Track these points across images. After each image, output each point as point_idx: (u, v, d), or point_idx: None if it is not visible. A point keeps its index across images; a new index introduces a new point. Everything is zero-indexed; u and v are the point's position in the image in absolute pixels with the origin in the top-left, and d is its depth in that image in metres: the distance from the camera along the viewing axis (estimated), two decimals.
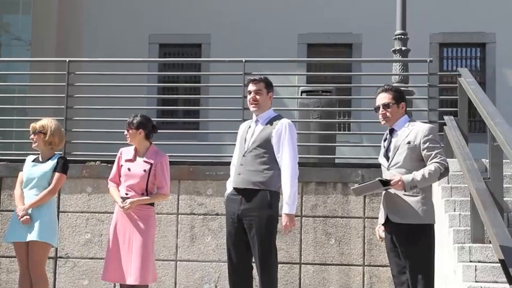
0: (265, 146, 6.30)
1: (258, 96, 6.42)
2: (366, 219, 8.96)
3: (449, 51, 16.59)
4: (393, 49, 11.03)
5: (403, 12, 11.08)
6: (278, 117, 6.47)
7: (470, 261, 6.98)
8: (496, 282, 6.62)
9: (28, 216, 6.90)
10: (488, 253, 6.94)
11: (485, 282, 6.69)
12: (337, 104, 11.32)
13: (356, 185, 5.83)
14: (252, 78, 6.53)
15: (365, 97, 12.89)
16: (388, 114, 5.86)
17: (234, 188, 6.39)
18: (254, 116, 6.53)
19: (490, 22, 15.94)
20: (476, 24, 15.98)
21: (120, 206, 6.94)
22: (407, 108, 10.56)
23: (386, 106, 5.86)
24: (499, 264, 6.08)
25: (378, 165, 9.56)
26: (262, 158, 6.28)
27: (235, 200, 6.35)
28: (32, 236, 6.90)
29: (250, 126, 6.52)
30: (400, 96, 5.92)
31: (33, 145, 7.22)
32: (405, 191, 5.51)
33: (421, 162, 5.65)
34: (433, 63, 15.01)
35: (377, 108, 5.92)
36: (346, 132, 14.94)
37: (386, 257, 8.74)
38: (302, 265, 8.97)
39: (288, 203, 6.20)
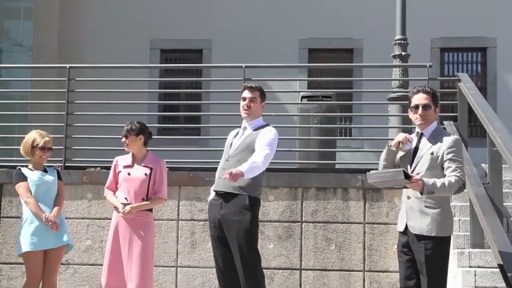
0: (248, 152, 6.31)
1: (252, 104, 6.45)
2: (366, 225, 8.96)
3: (450, 56, 16.58)
4: (393, 54, 11.04)
5: (403, 17, 11.09)
6: (266, 126, 6.51)
7: (470, 267, 7.00)
8: (496, 287, 6.64)
9: (57, 223, 7.05)
10: (488, 258, 6.95)
11: (485, 287, 6.71)
12: (338, 109, 11.34)
13: (373, 171, 5.60)
14: (248, 85, 6.55)
15: (364, 102, 12.94)
16: (427, 116, 5.75)
17: (215, 192, 6.42)
18: (244, 122, 6.57)
19: (491, 27, 15.94)
20: (477, 29, 15.96)
21: (120, 211, 6.95)
22: (406, 114, 10.65)
23: (427, 107, 5.73)
24: (499, 270, 6.09)
25: None
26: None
27: (216, 204, 6.40)
28: (60, 241, 7.09)
29: (238, 133, 6.55)
30: (437, 100, 5.82)
31: (43, 161, 7.31)
32: (421, 193, 5.44)
33: (443, 174, 5.57)
34: (434, 68, 15.05)
35: (414, 108, 5.78)
36: (346, 137, 14.93)
37: (386, 262, 8.83)
38: (302, 271, 8.97)
39: (244, 168, 5.99)
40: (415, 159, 5.68)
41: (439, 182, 5.44)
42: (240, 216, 6.25)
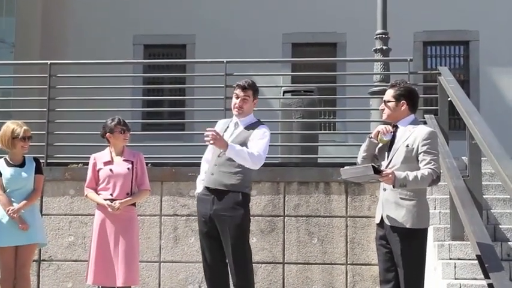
0: None
1: (244, 104, 6.41)
2: (348, 218, 9.00)
3: (433, 50, 16.63)
4: (374, 48, 11.08)
5: (384, 12, 11.14)
6: (258, 123, 6.47)
7: (450, 259, 7.05)
8: (475, 279, 6.70)
9: (26, 224, 6.94)
10: (468, 250, 7.01)
11: (465, 279, 6.76)
12: (320, 103, 11.36)
13: (346, 167, 5.66)
14: (241, 83, 6.43)
15: (344, 97, 12.96)
16: (386, 110, 5.80)
17: (205, 188, 6.41)
18: (235, 118, 6.53)
19: (473, 20, 15.99)
20: (459, 22, 16.01)
21: (109, 207, 6.92)
22: None
23: (386, 102, 5.81)
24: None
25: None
26: None
27: (207, 200, 6.35)
28: (31, 239, 6.99)
29: (228, 127, 6.51)
30: (402, 95, 5.78)
31: (25, 151, 7.21)
32: (394, 186, 5.46)
33: (418, 167, 5.58)
34: (417, 62, 15.12)
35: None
36: (327, 131, 14.98)
37: (369, 255, 8.88)
38: (285, 264, 9.00)
39: (233, 145, 6.06)
40: (391, 152, 5.71)
41: (411, 175, 5.45)
42: (233, 212, 6.25)
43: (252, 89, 6.44)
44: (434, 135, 5.71)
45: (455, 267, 6.86)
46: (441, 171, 5.81)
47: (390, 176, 5.43)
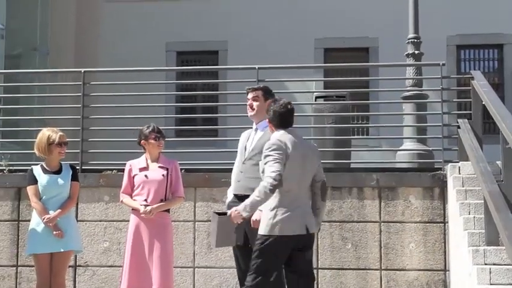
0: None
1: (254, 103, 6.50)
2: (382, 224, 8.97)
3: (467, 53, 16.52)
4: (406, 53, 11.04)
5: (416, 16, 11.09)
6: None
7: (485, 264, 6.97)
8: (511, 284, 6.62)
9: (60, 231, 7.01)
10: (503, 255, 6.92)
11: (500, 284, 6.68)
12: (353, 108, 11.34)
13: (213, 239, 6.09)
14: (249, 87, 6.70)
15: (378, 101, 12.93)
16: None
17: (234, 195, 6.45)
18: (254, 124, 6.62)
19: (508, 23, 15.82)
20: (493, 25, 15.85)
21: (141, 212, 6.99)
22: (423, 112, 10.62)
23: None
24: None
25: (394, 169, 9.67)
26: None
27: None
28: (67, 246, 7.06)
29: (250, 135, 6.59)
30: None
31: (62, 156, 7.28)
32: (244, 218, 5.80)
33: None
34: (450, 66, 15.01)
35: None
36: (360, 137, 14.91)
37: (403, 260, 8.85)
38: (319, 270, 8.99)
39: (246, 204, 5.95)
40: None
41: (248, 200, 5.71)
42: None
43: (261, 89, 6.63)
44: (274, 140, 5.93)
45: (490, 272, 6.78)
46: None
47: (236, 212, 5.74)
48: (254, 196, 5.65)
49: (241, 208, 5.69)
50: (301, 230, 5.85)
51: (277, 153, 5.78)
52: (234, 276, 8.91)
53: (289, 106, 6.05)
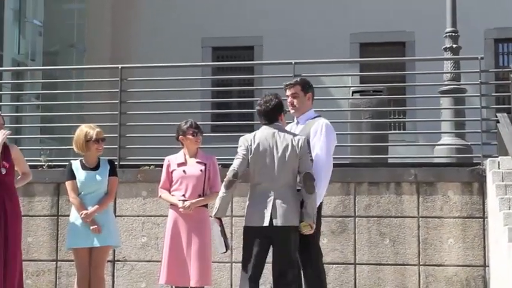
0: None
1: (295, 100, 6.46)
2: (420, 219, 8.92)
3: (505, 47, 16.33)
4: (444, 47, 10.94)
5: (453, 10, 10.99)
6: (317, 118, 6.48)
7: None
8: None
9: (97, 226, 7.04)
10: None
11: None
12: (389, 103, 11.27)
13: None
14: (286, 83, 6.58)
15: (415, 96, 12.79)
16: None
17: None
18: (295, 118, 6.59)
19: None
20: None
21: (180, 207, 7.02)
22: (461, 106, 10.51)
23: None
24: None
25: (431, 165, 9.59)
26: None
27: None
28: (105, 241, 7.10)
29: (291, 128, 6.55)
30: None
31: (100, 153, 7.32)
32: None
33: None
34: (488, 60, 14.83)
35: None
36: (397, 131, 14.80)
37: (442, 256, 8.78)
38: (357, 265, 8.97)
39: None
40: None
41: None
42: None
43: (298, 84, 6.52)
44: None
45: None
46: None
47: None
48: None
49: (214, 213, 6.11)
50: (260, 222, 5.96)
51: (240, 150, 6.13)
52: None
53: (272, 102, 6.14)
